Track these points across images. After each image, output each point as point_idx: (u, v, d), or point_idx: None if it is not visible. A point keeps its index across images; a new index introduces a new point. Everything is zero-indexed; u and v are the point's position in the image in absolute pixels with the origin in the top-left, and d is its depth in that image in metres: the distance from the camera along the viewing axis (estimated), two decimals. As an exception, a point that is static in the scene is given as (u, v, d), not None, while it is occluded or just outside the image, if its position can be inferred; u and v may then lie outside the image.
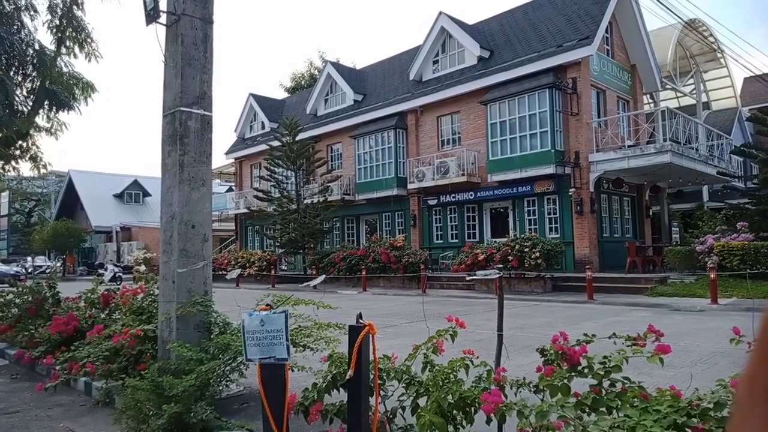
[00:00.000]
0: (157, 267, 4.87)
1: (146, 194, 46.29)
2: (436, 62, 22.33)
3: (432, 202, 21.30)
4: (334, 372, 3.27)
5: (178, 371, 4.00)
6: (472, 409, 2.89)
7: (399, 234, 21.95)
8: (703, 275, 13.35)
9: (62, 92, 10.17)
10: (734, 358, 6.35)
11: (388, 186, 22.41)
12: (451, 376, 3.05)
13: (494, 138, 18.90)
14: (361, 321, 2.66)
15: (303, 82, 43.40)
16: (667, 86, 23.84)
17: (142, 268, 23.42)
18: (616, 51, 20.08)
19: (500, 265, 15.40)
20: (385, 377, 3.24)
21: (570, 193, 17.27)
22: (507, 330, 7.92)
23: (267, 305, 3.13)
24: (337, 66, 27.66)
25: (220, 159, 34.97)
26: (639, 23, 19.90)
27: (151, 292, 5.52)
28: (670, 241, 19.96)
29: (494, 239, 18.73)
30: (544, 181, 17.82)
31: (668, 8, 23.25)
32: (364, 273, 18.48)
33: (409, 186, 21.59)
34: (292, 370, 4.09)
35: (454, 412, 2.91)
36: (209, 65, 5.54)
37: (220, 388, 4.32)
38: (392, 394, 3.26)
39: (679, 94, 26.61)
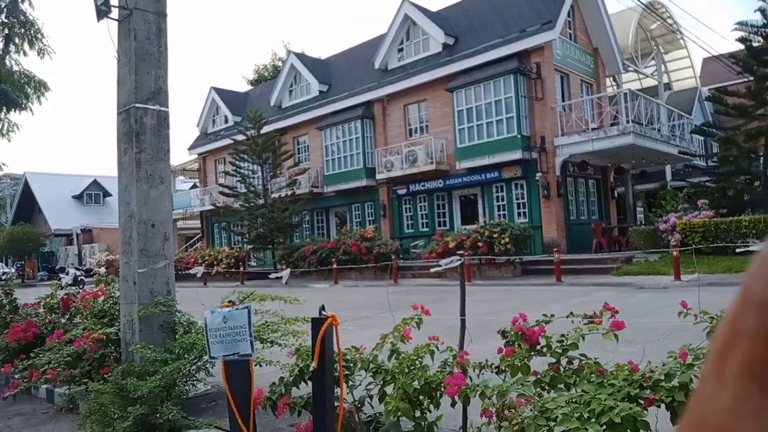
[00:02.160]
0: (118, 268, 4.75)
1: (107, 194, 44.98)
2: (401, 50, 22.28)
3: (401, 192, 21.35)
4: (301, 365, 3.27)
5: (142, 373, 3.94)
6: (438, 393, 2.92)
7: (369, 225, 21.94)
8: (666, 253, 13.76)
9: (13, 92, 9.80)
10: (694, 332, 6.58)
11: (357, 177, 22.35)
12: (417, 362, 3.08)
13: (461, 125, 19.01)
14: (324, 313, 2.65)
15: (267, 74, 42.77)
16: (629, 68, 24.32)
17: (103, 270, 22.90)
18: (579, 35, 20.38)
19: (470, 252, 15.59)
20: (352, 367, 3.25)
21: (537, 178, 17.53)
22: (477, 315, 8.04)
23: (230, 302, 3.10)
24: (300, 56, 27.35)
25: (182, 155, 34.33)
26: (600, 6, 20.23)
27: (112, 294, 5.39)
28: (635, 221, 20.49)
29: (464, 226, 18.90)
30: (512, 166, 18.04)
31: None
32: (334, 266, 18.44)
33: (378, 176, 21.58)
34: (260, 366, 4.08)
35: (420, 397, 2.95)
36: (164, 60, 5.41)
37: (187, 387, 4.27)
38: (360, 384, 3.28)
39: (641, 76, 27.19)
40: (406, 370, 2.98)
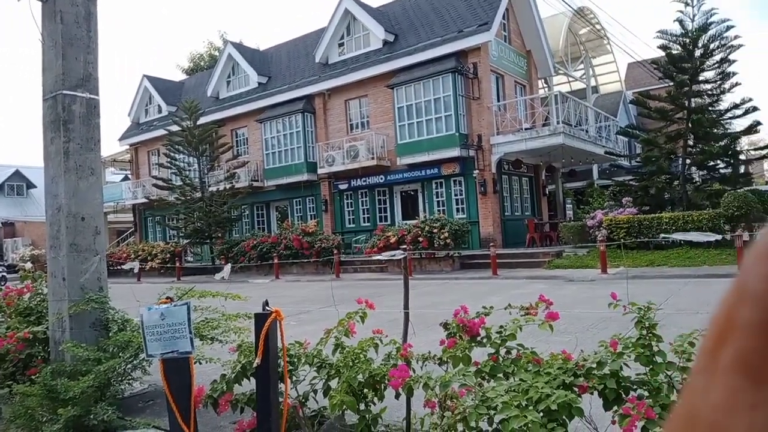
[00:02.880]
0: (46, 264, 4.42)
1: (30, 185, 42.15)
2: (341, 45, 22.19)
3: (343, 187, 21.32)
4: (243, 362, 3.22)
5: (74, 373, 3.75)
6: (382, 385, 2.97)
7: (311, 220, 21.77)
8: (593, 248, 14.52)
9: None
10: (621, 322, 7.02)
11: (298, 171, 22.10)
12: (361, 356, 3.11)
13: (402, 122, 19.20)
14: (267, 308, 2.63)
15: (203, 63, 41.36)
16: (560, 71, 25.41)
17: (29, 265, 21.45)
18: (513, 37, 21.04)
19: (411, 246, 15.81)
20: (296, 362, 3.24)
21: (474, 175, 18.00)
22: (419, 308, 8.18)
23: (168, 298, 3.00)
24: (238, 47, 26.63)
25: (113, 145, 32.62)
26: (533, 10, 20.98)
27: (39, 291, 5.08)
28: (565, 217, 21.48)
29: (405, 221, 19.15)
30: (450, 163, 18.42)
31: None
32: (275, 260, 18.18)
33: (320, 171, 21.44)
34: (200, 363, 3.98)
35: (365, 390, 2.98)
36: (94, 45, 5.13)
37: (122, 387, 4.10)
38: (304, 379, 3.27)
39: (570, 79, 28.46)
40: (351, 364, 3.01)
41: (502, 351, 2.83)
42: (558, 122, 17.36)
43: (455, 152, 17.90)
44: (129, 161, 31.64)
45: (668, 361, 2.52)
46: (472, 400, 2.60)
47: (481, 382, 2.76)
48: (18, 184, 42.54)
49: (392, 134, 19.69)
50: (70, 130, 4.67)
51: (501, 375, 2.71)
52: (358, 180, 20.73)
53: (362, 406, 2.94)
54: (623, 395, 2.50)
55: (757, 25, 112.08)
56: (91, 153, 4.82)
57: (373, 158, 19.68)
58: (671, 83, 17.24)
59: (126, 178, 33.29)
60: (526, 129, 18.19)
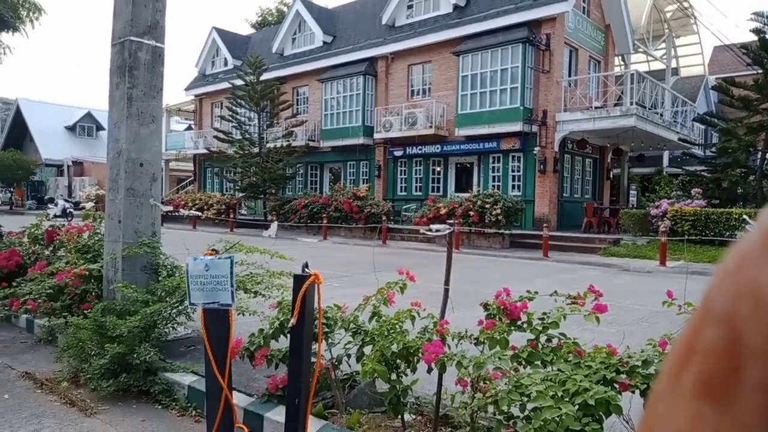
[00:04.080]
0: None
1: (100, 128, 44.08)
2: (410, 7, 21.65)
3: (398, 154, 21.17)
4: (281, 319, 3.26)
5: (122, 312, 3.92)
6: (415, 358, 2.93)
7: (363, 184, 21.83)
8: (655, 238, 13.86)
9: (6, 12, 9.43)
10: (672, 318, 6.69)
11: (355, 134, 22.09)
12: (397, 326, 3.08)
13: (464, 91, 18.71)
14: (307, 270, 2.62)
15: (270, 18, 41.56)
16: (639, 49, 23.89)
17: (90, 205, 22.66)
18: (592, 9, 19.88)
19: (461, 220, 15.61)
20: (332, 325, 3.25)
21: (535, 152, 17.42)
22: (462, 284, 8.09)
23: (213, 250, 3.05)
24: (307, 3, 26.49)
25: (179, 95, 33.64)
26: (617, -18, 19.67)
27: (98, 230, 5.33)
28: (627, 203, 20.56)
29: (458, 194, 18.86)
30: (511, 138, 17.88)
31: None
32: (325, 222, 18.42)
33: (376, 135, 21.33)
34: (243, 315, 4.08)
35: (398, 360, 2.96)
36: (164, -7, 5.18)
37: (167, 330, 4.27)
38: (338, 342, 3.28)
39: (650, 58, 26.74)
40: (386, 333, 2.99)
41: (543, 338, 2.72)
42: (631, 103, 16.42)
43: (517, 127, 17.32)
44: (193, 111, 32.58)
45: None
46: (506, 384, 2.52)
47: (517, 367, 2.67)
48: (89, 125, 44.68)
49: (453, 103, 19.25)
50: (134, 77, 4.77)
51: (539, 363, 2.61)
52: (414, 148, 20.51)
53: (393, 376, 2.92)
54: (669, 399, 2.35)
55: None
56: (153, 101, 4.92)
57: (431, 127, 19.36)
58: (760, 71, 15.90)
59: (189, 128, 34.35)
60: (596, 108, 17.33)
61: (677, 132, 19.10)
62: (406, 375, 3.01)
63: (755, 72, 16.47)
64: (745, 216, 12.22)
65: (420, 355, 2.82)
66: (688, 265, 11.93)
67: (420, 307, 3.17)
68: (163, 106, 5.39)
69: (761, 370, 0.20)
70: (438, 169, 20.57)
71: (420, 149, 20.35)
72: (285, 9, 38.79)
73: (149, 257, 4.57)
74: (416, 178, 21.00)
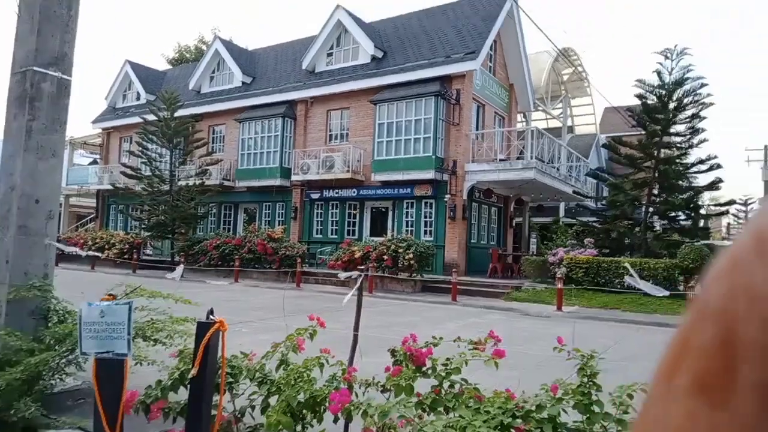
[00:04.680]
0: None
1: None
2: (330, 55, 22.24)
3: (315, 196, 21.21)
4: (182, 369, 3.12)
5: (2, 363, 3.57)
6: (322, 408, 2.92)
7: (278, 225, 21.56)
8: (552, 284, 14.74)
9: None
10: (569, 363, 7.12)
11: (272, 175, 21.92)
12: (305, 374, 3.06)
13: (381, 138, 19.29)
14: (211, 317, 2.57)
15: (188, 55, 40.86)
16: (539, 108, 26.01)
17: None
18: (498, 69, 21.47)
19: (375, 264, 15.79)
20: (237, 375, 3.17)
21: (445, 199, 18.15)
22: (374, 327, 8.12)
23: (110, 295, 2.90)
24: (227, 44, 26.44)
25: (85, 128, 31.73)
26: (520, 45, 21.47)
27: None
28: (528, 250, 21.80)
29: (372, 238, 19.12)
30: (424, 185, 18.55)
31: (546, 35, 25.34)
32: (237, 264, 17.88)
33: (293, 177, 21.30)
34: (141, 364, 3.85)
35: (304, 411, 2.92)
36: (73, 25, 5.00)
37: (53, 381, 3.93)
38: (243, 393, 3.19)
39: (548, 116, 29.14)
40: (293, 383, 2.95)
41: (446, 384, 2.82)
42: (531, 157, 17.70)
43: (430, 174, 18.04)
44: (100, 145, 30.86)
45: (605, 412, 2.54)
46: (409, 431, 2.58)
47: (422, 414, 2.74)
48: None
49: (370, 149, 19.75)
50: (36, 108, 4.52)
51: (441, 409, 2.70)
52: (331, 191, 20.66)
53: (299, 427, 2.88)
54: (558, 441, 2.51)
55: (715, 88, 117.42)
56: (55, 134, 4.67)
57: (348, 171, 19.67)
58: (643, 132, 17.80)
59: (94, 162, 32.39)
60: (500, 160, 18.49)
61: (572, 185, 20.76)
62: (312, 426, 2.98)
63: (639, 133, 18.41)
64: (626, 264, 13.40)
65: (327, 404, 2.82)
66: (582, 310, 12.79)
67: (329, 354, 3.17)
68: (66, 138, 5.13)
69: (756, 368, 0.20)
70: (354, 213, 20.79)
71: (337, 192, 20.53)
72: (204, 47, 38.34)
73: (39, 301, 4.22)
74: (332, 221, 21.06)
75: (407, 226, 19.20)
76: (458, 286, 14.05)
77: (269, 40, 79.64)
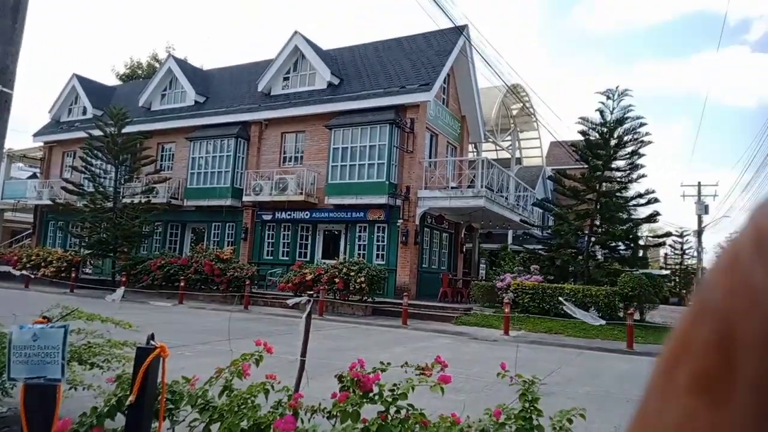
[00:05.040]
0: None
1: None
2: (286, 79, 22.28)
3: (267, 218, 20.94)
4: (119, 395, 3.00)
5: None
6: (266, 434, 2.86)
7: (228, 246, 21.10)
8: (500, 309, 15.03)
9: None
10: (514, 386, 7.26)
11: (222, 195, 21.53)
12: (249, 401, 3.00)
13: (335, 162, 19.36)
14: (152, 342, 2.50)
15: (140, 72, 39.96)
16: (490, 139, 26.83)
17: None
18: (451, 101, 22.09)
19: (326, 287, 15.67)
20: (178, 401, 3.07)
21: (398, 224, 18.32)
22: (323, 351, 8.02)
23: (45, 318, 2.78)
24: (180, 62, 26.06)
25: (26, 140, 30.33)
26: (472, 80, 22.21)
27: None
28: (478, 275, 22.20)
29: (324, 260, 19.00)
30: (377, 209, 18.68)
31: (497, 72, 26.32)
32: (182, 284, 17.33)
33: (245, 198, 21.00)
34: (76, 389, 3.67)
35: (247, 438, 2.86)
36: (18, 38, 4.81)
37: (-25, 410, 3.68)
38: (184, 420, 3.09)
39: (498, 148, 30.07)
40: (236, 409, 2.89)
41: (392, 410, 2.83)
42: (482, 186, 18.18)
43: (383, 199, 18.20)
44: (40, 159, 29.49)
45: (545, 436, 2.62)
46: (354, 458, 2.56)
47: (367, 439, 2.73)
48: None
49: (324, 173, 19.76)
50: (-29, 121, 4.32)
51: (387, 435, 2.70)
52: (284, 213, 20.47)
53: (241, 455, 2.81)
54: (500, 465, 2.56)
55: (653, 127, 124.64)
56: (-9, 148, 4.46)
57: (301, 193, 19.58)
58: (586, 166, 18.64)
59: (34, 176, 30.84)
60: (452, 188, 18.88)
61: (519, 214, 21.41)
62: (255, 453, 2.91)
63: (582, 167, 19.25)
64: (560, 298, 13.90)
65: (271, 431, 2.77)
66: (528, 334, 13.08)
67: (275, 380, 3.13)
68: (4, 151, 4.90)
69: (756, 366, 0.20)
70: (306, 235, 20.64)
71: (289, 214, 20.36)
72: (157, 64, 37.64)
73: (-37, 324, 3.97)
74: (284, 243, 20.82)
75: (360, 250, 19.21)
76: (409, 310, 14.10)
77: (225, 62, 79.08)
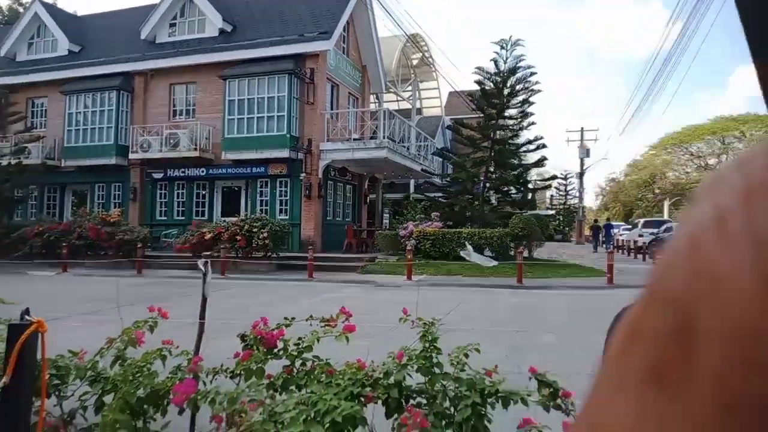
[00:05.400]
0: None
1: None
2: (173, 25, 20.59)
3: (158, 176, 19.69)
4: (-6, 375, 2.73)
5: None
6: (165, 401, 2.76)
7: (115, 208, 19.65)
8: (403, 256, 15.51)
9: None
10: (417, 329, 7.59)
11: (106, 154, 19.85)
12: (145, 369, 2.86)
13: (231, 115, 18.46)
14: (27, 318, 2.26)
15: (0, 17, 34.97)
16: (391, 90, 26.85)
17: None
18: (351, 51, 21.66)
19: (228, 245, 15.23)
20: (64, 376, 2.85)
21: (301, 178, 18.03)
22: (227, 311, 7.85)
23: None
24: (49, 7, 23.12)
25: None
26: (372, 29, 21.85)
27: None
28: (382, 225, 22.64)
29: (224, 218, 18.34)
30: (278, 164, 18.21)
31: (396, 21, 26.10)
32: (65, 251, 16.00)
33: (132, 156, 19.51)
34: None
35: (145, 406, 2.75)
36: None
37: None
38: (73, 394, 2.89)
39: (399, 98, 30.23)
40: (131, 378, 2.75)
41: (298, 363, 2.83)
42: (384, 137, 18.27)
43: (284, 153, 17.74)
44: None
45: (444, 372, 2.75)
46: (261, 414, 2.54)
47: (274, 394, 2.72)
48: None
49: (219, 127, 18.79)
50: None
51: (294, 388, 2.71)
52: (177, 170, 19.34)
53: (140, 424, 2.70)
54: (404, 404, 2.67)
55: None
56: None
57: (196, 149, 18.54)
58: (482, 115, 19.33)
59: None
60: (354, 139, 18.79)
61: (421, 164, 21.91)
62: (155, 419, 2.81)
63: (479, 116, 19.95)
64: (465, 242, 14.70)
65: (170, 397, 2.67)
66: (430, 278, 13.69)
67: (172, 345, 3.00)
68: None
69: (716, 356, 0.18)
70: (203, 192, 19.73)
71: (183, 172, 19.28)
72: (21, 9, 33.08)
73: None
74: (179, 202, 19.79)
75: (262, 206, 18.74)
76: (315, 263, 14.12)
77: (102, 7, 71.32)
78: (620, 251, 24.78)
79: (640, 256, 22.20)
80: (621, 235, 30.12)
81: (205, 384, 2.76)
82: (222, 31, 19.68)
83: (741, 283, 0.18)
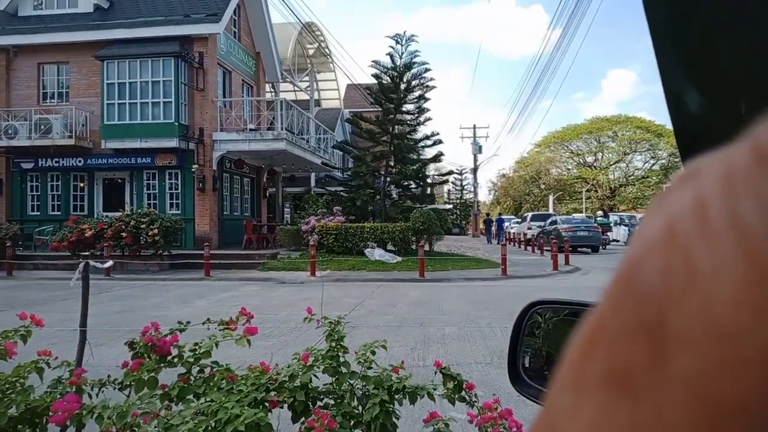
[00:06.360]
0: None
1: None
2: (39, -3, 18.52)
3: (27, 166, 17.74)
4: None
5: None
6: (44, 419, 2.48)
7: (-25, 203, 17.42)
8: (306, 251, 15.32)
9: None
10: (322, 329, 7.52)
11: (-39, 140, 17.47)
12: (18, 384, 2.54)
13: (111, 100, 17.03)
14: None
15: None
16: (287, 79, 26.25)
17: None
18: (243, 36, 20.85)
19: (112, 243, 14.12)
20: None
21: (193, 170, 17.11)
22: (112, 315, 7.28)
23: None
24: None
25: None
26: (264, 14, 21.19)
27: None
28: (283, 220, 22.19)
29: (107, 213, 16.92)
30: (167, 154, 17.13)
31: (290, 7, 25.57)
32: None
33: (-6, 143, 17.38)
34: None
35: (19, 427, 2.45)
36: None
37: None
38: (-77, 422, 2.50)
39: (296, 89, 29.66)
40: (1, 396, 2.43)
41: (195, 370, 2.66)
42: (282, 128, 17.85)
43: (173, 143, 16.71)
44: None
45: (352, 371, 2.73)
46: (155, 427, 2.36)
47: (170, 405, 2.54)
48: None
49: (98, 112, 17.27)
50: None
51: (191, 397, 2.55)
52: (49, 160, 17.54)
53: (12, 448, 2.39)
54: (311, 407, 2.61)
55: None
56: None
57: (71, 136, 16.92)
58: (380, 109, 19.55)
59: None
60: (251, 129, 18.16)
61: (321, 156, 21.73)
62: (32, 442, 2.51)
63: (377, 110, 20.14)
64: (364, 234, 14.93)
65: (50, 414, 2.40)
66: (333, 273, 13.65)
67: (50, 356, 2.70)
68: None
69: (691, 358, 0.16)
70: (81, 185, 18.08)
71: (57, 162, 17.53)
72: None
73: None
74: (53, 195, 17.99)
75: (150, 199, 17.55)
76: (211, 261, 13.49)
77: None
78: (512, 243, 26.50)
79: (529, 248, 23.86)
80: (512, 228, 31.98)
81: (90, 398, 2.52)
82: (98, 7, 18.12)
83: (722, 283, 0.16)
